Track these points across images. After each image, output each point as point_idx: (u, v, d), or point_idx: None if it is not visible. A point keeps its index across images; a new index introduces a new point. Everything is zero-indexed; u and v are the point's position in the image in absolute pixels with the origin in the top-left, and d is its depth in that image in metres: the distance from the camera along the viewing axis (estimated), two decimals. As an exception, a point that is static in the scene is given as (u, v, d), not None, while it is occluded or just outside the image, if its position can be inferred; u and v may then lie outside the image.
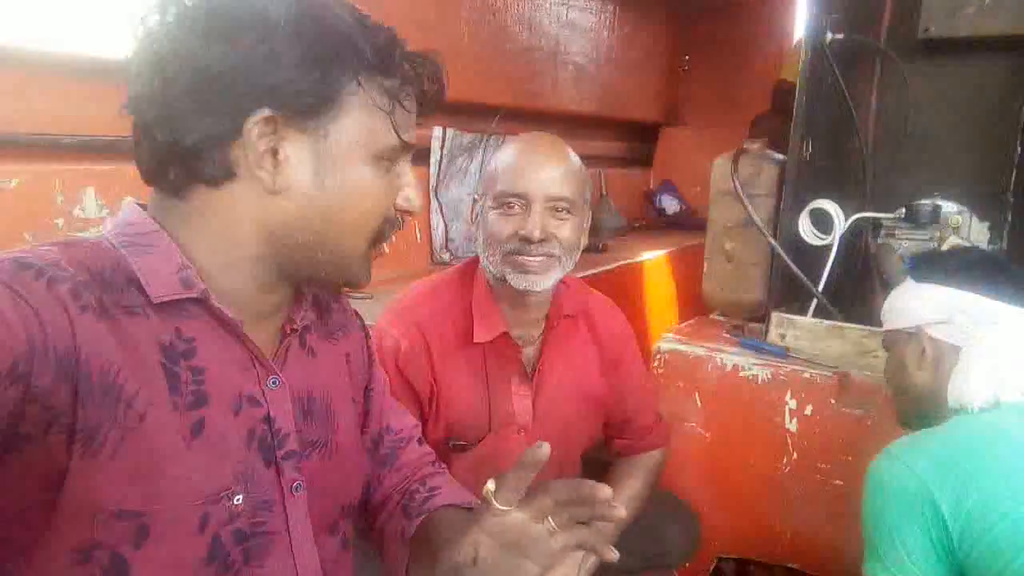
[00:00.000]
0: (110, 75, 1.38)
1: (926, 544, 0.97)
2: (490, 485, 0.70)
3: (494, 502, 0.69)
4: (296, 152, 0.66)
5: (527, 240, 1.20)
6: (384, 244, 0.76)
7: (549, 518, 0.70)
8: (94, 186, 1.45)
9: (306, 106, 0.65)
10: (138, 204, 0.71)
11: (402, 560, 0.88)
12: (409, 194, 0.75)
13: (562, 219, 1.23)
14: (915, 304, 1.17)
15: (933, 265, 1.18)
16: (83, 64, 1.36)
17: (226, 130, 0.64)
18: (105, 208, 1.47)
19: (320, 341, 0.83)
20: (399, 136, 0.71)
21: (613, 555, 0.71)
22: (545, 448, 0.67)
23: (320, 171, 0.68)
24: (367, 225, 0.72)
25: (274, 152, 0.66)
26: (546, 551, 0.70)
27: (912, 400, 1.18)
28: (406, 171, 0.75)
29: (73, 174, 1.41)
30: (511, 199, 1.22)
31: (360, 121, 0.68)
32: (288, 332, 0.76)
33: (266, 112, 0.64)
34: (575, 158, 1.28)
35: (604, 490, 0.66)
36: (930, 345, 1.14)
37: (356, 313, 0.94)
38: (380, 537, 0.93)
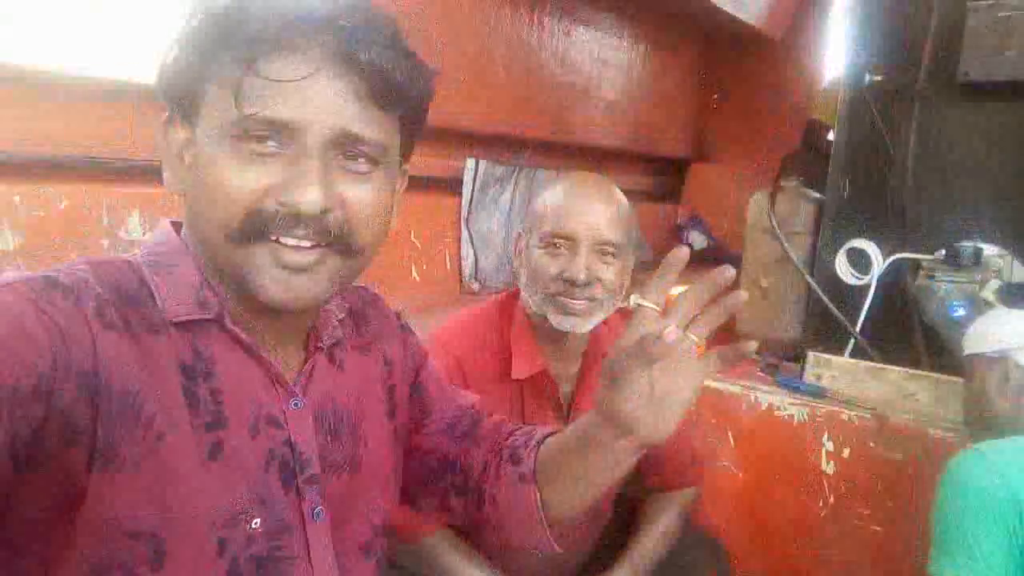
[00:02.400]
0: (158, 100, 1.43)
1: (1004, 549, 0.94)
2: (634, 298, 0.69)
3: (644, 302, 0.68)
4: (190, 151, 0.64)
5: (572, 282, 1.20)
6: (275, 242, 0.61)
7: (688, 332, 0.68)
8: (139, 208, 1.47)
9: (180, 100, 0.63)
10: (173, 223, 0.71)
11: (531, 502, 0.80)
12: (291, 187, 0.60)
13: (607, 262, 1.23)
14: (1003, 329, 1.15)
15: None
16: (132, 89, 1.39)
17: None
18: (149, 231, 1.49)
19: (352, 354, 0.80)
20: (236, 107, 0.59)
21: (752, 345, 0.69)
22: (684, 250, 0.68)
23: (190, 164, 0.64)
24: (217, 217, 0.61)
25: (181, 156, 0.65)
26: (694, 368, 0.69)
27: (990, 429, 1.15)
28: (301, 160, 0.61)
29: (119, 196, 1.44)
30: (558, 239, 1.22)
31: (212, 102, 0.61)
32: (315, 349, 0.74)
33: (167, 114, 0.65)
34: (623, 200, 1.28)
35: (729, 269, 0.67)
36: (1015, 371, 1.11)
37: (397, 315, 0.91)
38: (494, 510, 0.84)
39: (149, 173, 1.47)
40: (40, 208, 1.30)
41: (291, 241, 0.62)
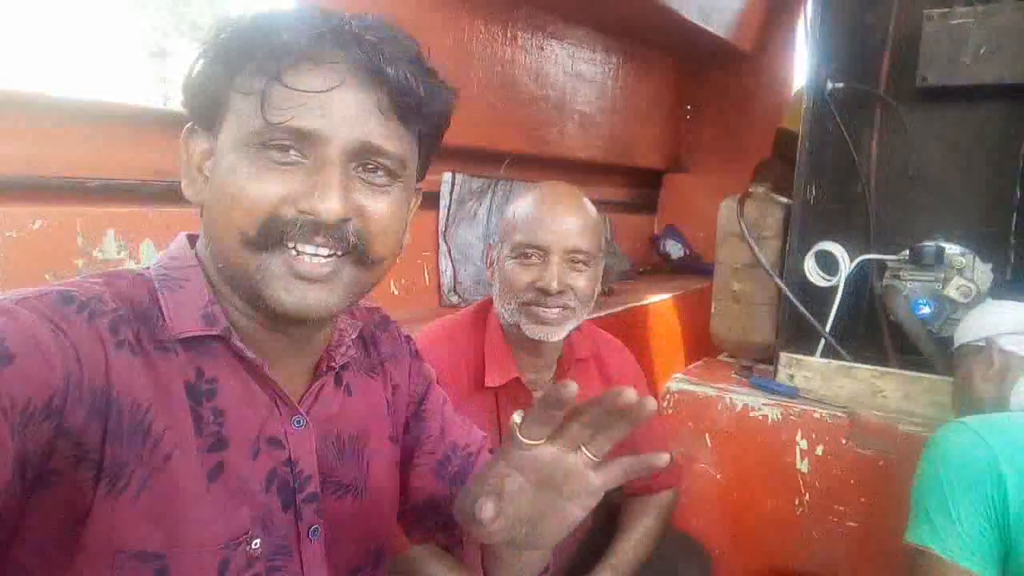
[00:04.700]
0: (133, 121, 1.45)
1: (982, 516, 0.96)
2: (516, 417, 0.61)
3: (519, 435, 0.60)
4: (210, 162, 0.65)
5: (544, 291, 1.21)
6: (291, 251, 0.62)
7: (583, 448, 0.60)
8: (115, 228, 1.47)
9: (203, 110, 0.65)
10: (189, 236, 0.71)
11: (479, 561, 0.80)
12: (311, 195, 0.61)
13: (579, 270, 1.25)
14: (990, 318, 1.20)
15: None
16: (107, 110, 1.40)
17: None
18: (125, 250, 1.49)
19: (360, 378, 0.80)
20: (263, 116, 0.60)
21: (664, 458, 0.61)
22: (572, 386, 0.57)
23: (211, 173, 0.65)
24: (235, 222, 0.61)
25: (200, 167, 0.67)
26: (585, 487, 0.61)
27: (975, 414, 1.17)
28: (323, 169, 0.61)
29: (94, 216, 1.44)
30: (529, 250, 1.23)
31: (236, 111, 0.63)
32: (323, 371, 0.74)
33: (189, 125, 0.67)
34: (592, 209, 1.30)
35: (626, 392, 0.56)
36: (999, 356, 1.15)
37: (407, 338, 0.91)
38: (465, 553, 0.89)
39: (124, 193, 1.48)
40: (14, 229, 1.30)
41: (308, 249, 0.62)
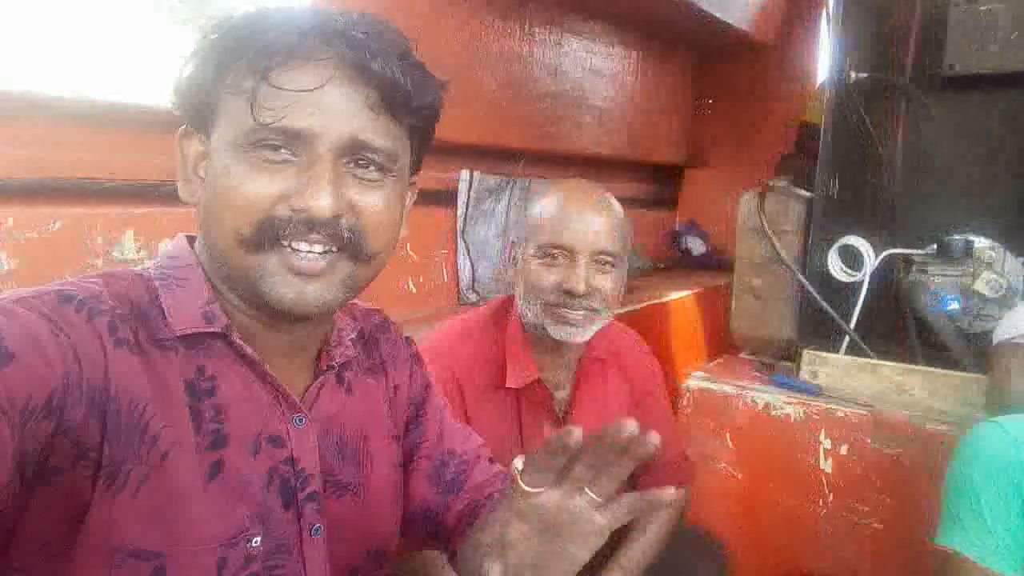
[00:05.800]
0: (150, 122, 1.45)
1: (1016, 519, 0.94)
2: (517, 463, 0.61)
3: (521, 484, 0.60)
4: (205, 163, 0.66)
5: (570, 293, 1.20)
6: (286, 248, 0.62)
7: (586, 489, 0.60)
8: (133, 229, 1.48)
9: (196, 112, 0.65)
10: (187, 237, 0.72)
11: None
12: (303, 193, 0.61)
13: (605, 272, 1.23)
14: None
15: None
16: (124, 111, 1.41)
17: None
18: (143, 250, 1.50)
19: (361, 378, 0.80)
20: (251, 117, 0.60)
21: (670, 494, 0.61)
22: (576, 433, 0.56)
23: (205, 174, 0.66)
24: (230, 223, 0.62)
25: (196, 168, 0.67)
26: (590, 529, 0.61)
27: (1009, 413, 1.14)
28: (314, 167, 0.62)
29: (113, 217, 1.45)
30: (555, 250, 1.21)
31: (227, 112, 0.63)
32: (324, 369, 0.74)
33: (183, 127, 0.67)
34: (619, 209, 1.27)
35: (627, 425, 0.55)
36: None
37: (408, 340, 0.91)
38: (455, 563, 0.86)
39: (142, 193, 1.49)
40: (33, 230, 1.31)
41: (303, 247, 0.62)
